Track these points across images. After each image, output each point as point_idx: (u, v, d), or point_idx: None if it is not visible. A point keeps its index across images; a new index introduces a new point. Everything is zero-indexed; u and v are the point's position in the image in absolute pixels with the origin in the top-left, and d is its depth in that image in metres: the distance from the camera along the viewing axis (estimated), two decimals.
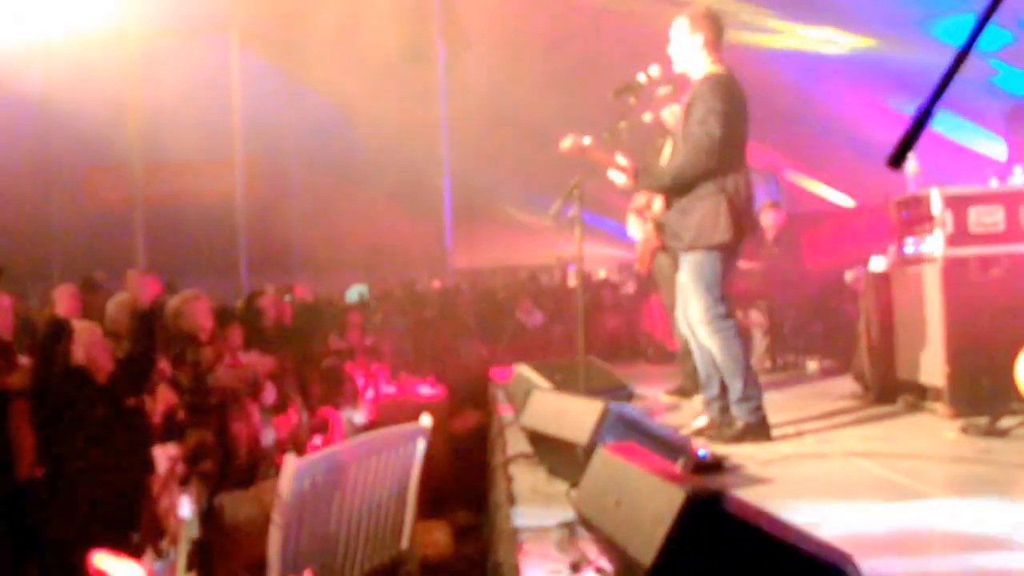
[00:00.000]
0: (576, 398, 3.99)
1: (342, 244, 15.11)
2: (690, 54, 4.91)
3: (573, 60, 12.19)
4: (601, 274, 14.90)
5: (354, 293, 13.14)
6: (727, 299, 4.92)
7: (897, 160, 1.39)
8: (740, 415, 4.86)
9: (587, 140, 4.85)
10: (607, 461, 2.64)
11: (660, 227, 5.20)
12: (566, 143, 4.85)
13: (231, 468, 5.27)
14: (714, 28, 4.90)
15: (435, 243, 14.00)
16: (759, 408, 4.87)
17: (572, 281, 13.49)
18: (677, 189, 4.89)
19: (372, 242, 15.30)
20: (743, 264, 8.24)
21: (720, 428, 4.92)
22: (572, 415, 3.81)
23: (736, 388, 4.84)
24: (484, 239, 16.47)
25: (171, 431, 4.73)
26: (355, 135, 14.25)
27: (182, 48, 14.14)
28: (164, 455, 4.58)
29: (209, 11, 13.52)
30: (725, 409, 4.96)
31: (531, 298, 10.11)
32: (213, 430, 5.03)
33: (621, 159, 4.88)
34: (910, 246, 5.80)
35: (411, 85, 13.10)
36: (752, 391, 4.84)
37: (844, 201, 15.68)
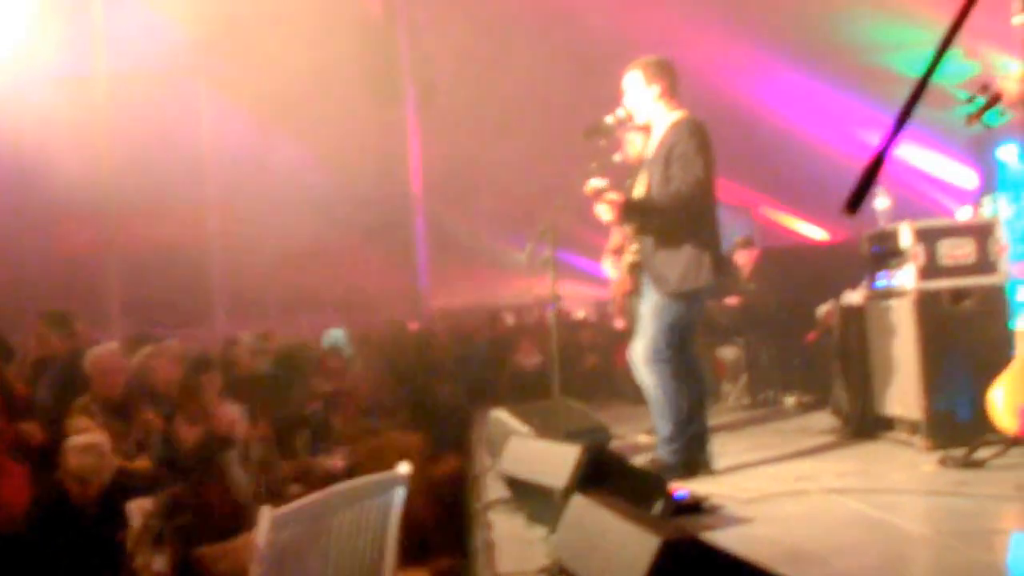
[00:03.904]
0: (553, 443, 3.97)
1: (318, 287, 15.05)
2: (650, 105, 4.99)
3: (544, 100, 12.29)
4: (580, 314, 14.92)
5: (331, 337, 13.06)
6: (691, 343, 5.05)
7: (854, 205, 1.40)
8: (663, 455, 4.96)
9: (602, 183, 4.89)
10: (583, 507, 2.63)
11: (634, 269, 5.22)
12: (590, 186, 4.88)
13: (207, 522, 5.18)
14: (668, 76, 5.01)
15: (411, 284, 13.97)
16: (679, 451, 4.95)
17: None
18: (661, 229, 4.93)
19: (348, 285, 15.25)
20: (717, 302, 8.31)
21: (660, 469, 4.94)
22: (549, 460, 3.78)
23: (664, 428, 4.94)
24: (461, 279, 16.47)
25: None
26: (327, 176, 14.25)
27: (152, 94, 14.11)
28: (138, 510, 4.51)
29: (178, 57, 13.53)
30: (679, 452, 4.98)
31: (530, 340, 10.06)
32: (187, 483, 4.96)
33: (612, 193, 4.92)
34: (882, 280, 5.84)
35: (382, 125, 13.13)
36: (678, 434, 4.93)
37: (818, 235, 15.81)
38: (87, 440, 4.65)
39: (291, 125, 13.78)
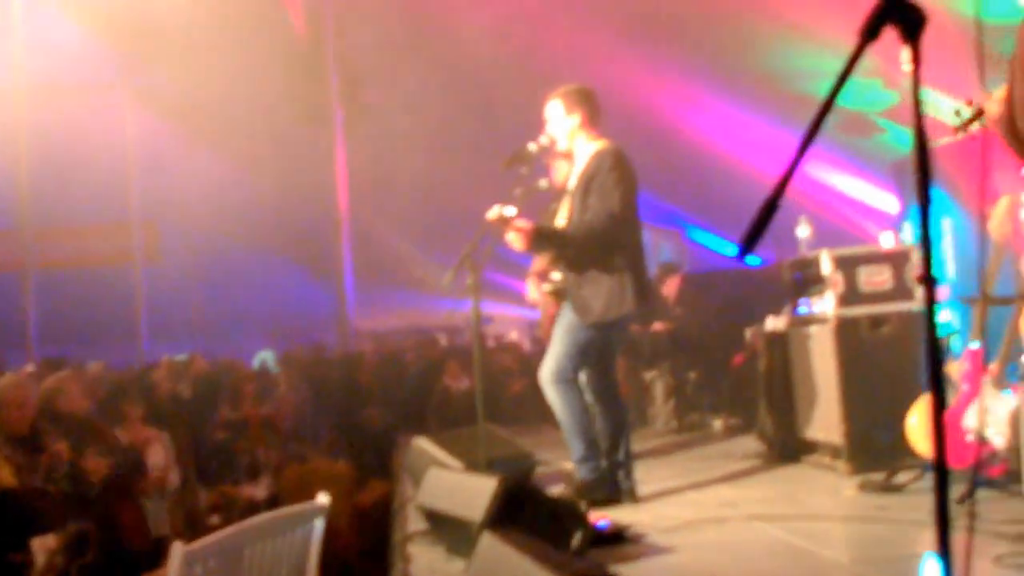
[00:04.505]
0: (471, 475, 3.90)
1: (246, 307, 14.83)
2: (571, 133, 4.99)
3: (474, 121, 12.28)
4: (512, 335, 14.89)
5: (259, 359, 12.87)
6: (611, 369, 5.10)
7: (748, 246, 1.37)
8: (580, 474, 4.95)
9: (510, 211, 4.84)
10: (492, 546, 2.57)
11: (558, 294, 5.19)
12: (493, 214, 4.83)
13: (119, 557, 5.00)
14: (589, 105, 5.01)
15: (338, 306, 13.81)
16: (598, 467, 4.95)
17: (489, 343, 13.44)
18: (575, 258, 4.92)
19: (276, 305, 15.05)
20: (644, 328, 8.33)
21: (579, 489, 4.92)
22: (467, 492, 3.72)
23: (577, 448, 4.94)
24: (391, 300, 16.34)
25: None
26: (254, 195, 14.06)
27: (74, 107, 13.77)
28: (42, 548, 4.33)
29: (101, 70, 13.25)
30: (596, 469, 4.98)
31: (459, 363, 9.96)
32: (95, 518, 4.78)
33: (521, 221, 4.88)
34: (803, 306, 5.91)
35: (309, 146, 13.00)
36: (592, 452, 4.93)
37: (750, 259, 16.01)
38: None
39: (218, 143, 13.57)
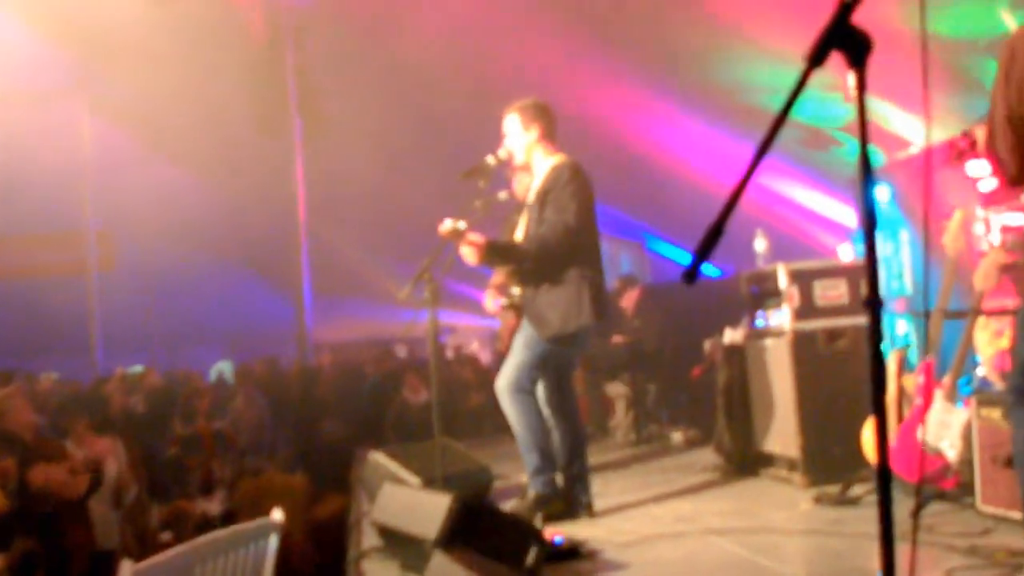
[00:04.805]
0: (425, 491, 3.87)
1: (203, 319, 14.66)
2: (528, 147, 5.00)
3: (434, 133, 12.27)
4: (474, 346, 14.87)
5: (216, 371, 12.73)
6: (568, 382, 5.10)
7: (691, 276, 1.36)
8: (534, 487, 4.94)
9: (463, 225, 4.82)
10: (443, 564, 2.54)
11: (516, 309, 5.17)
12: (445, 227, 4.81)
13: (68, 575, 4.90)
14: (546, 119, 5.02)
15: (296, 317, 13.70)
16: (552, 481, 4.94)
17: (449, 354, 13.38)
18: (531, 272, 4.91)
19: (234, 317, 14.90)
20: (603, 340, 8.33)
21: (533, 502, 4.91)
22: (421, 509, 3.68)
23: (531, 460, 4.93)
24: (351, 311, 16.24)
25: None
26: (212, 207, 13.92)
27: (29, 115, 13.54)
28: None
29: (58, 77, 13.06)
30: (550, 483, 4.97)
31: (418, 375, 9.91)
32: (43, 536, 4.67)
33: (473, 235, 4.87)
34: (760, 319, 5.94)
35: (267, 157, 12.91)
36: (544, 465, 4.92)
37: (710, 270, 16.13)
38: None
39: (175, 152, 13.43)
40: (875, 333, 1.49)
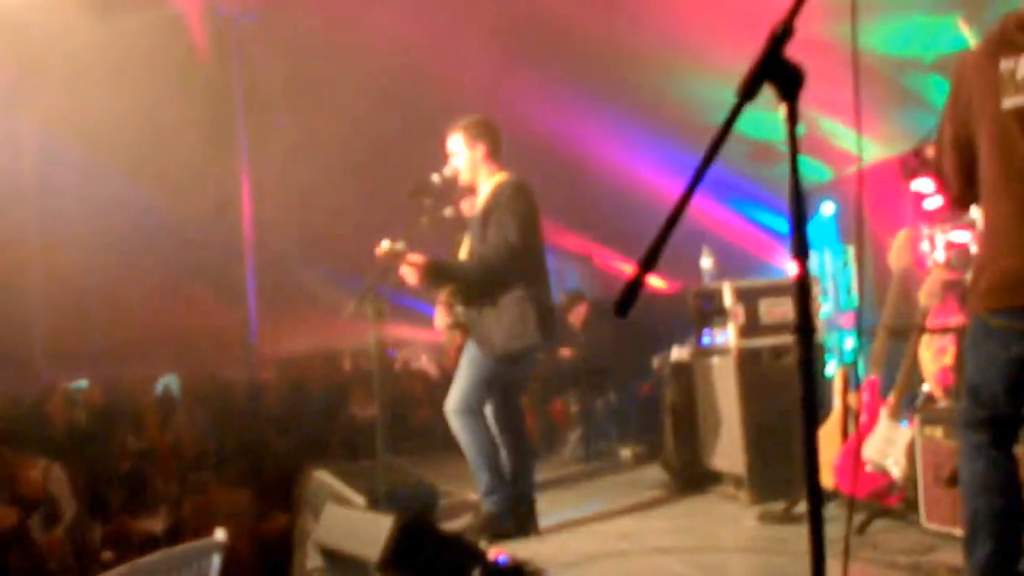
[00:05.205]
0: (368, 513, 3.83)
1: (148, 332, 14.41)
2: (474, 166, 4.99)
3: (381, 147, 12.22)
4: (422, 359, 14.76)
5: (163, 384, 12.51)
6: (516, 400, 5.08)
7: (623, 310, 1.35)
8: (488, 506, 4.93)
9: (401, 246, 4.78)
10: None
11: (463, 327, 5.15)
12: (382, 249, 4.77)
13: None
14: (492, 137, 5.02)
15: (243, 330, 13.55)
16: (505, 499, 4.93)
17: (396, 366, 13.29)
18: (475, 291, 4.90)
19: (180, 329, 14.67)
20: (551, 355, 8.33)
21: (487, 520, 4.89)
22: (364, 530, 3.64)
23: (483, 480, 4.92)
24: (298, 324, 16.09)
25: None
26: (157, 219, 13.72)
27: None
28: None
29: (0, 90, 12.79)
30: (502, 502, 4.95)
31: (365, 390, 9.82)
32: None
33: (412, 256, 4.84)
34: (707, 337, 5.97)
35: (213, 169, 12.78)
36: (498, 484, 4.91)
37: (657, 284, 16.21)
38: None
39: (120, 164, 13.22)
40: (807, 363, 1.49)
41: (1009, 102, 2.78)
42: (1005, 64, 2.79)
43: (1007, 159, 2.78)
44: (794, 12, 1.38)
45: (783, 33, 1.38)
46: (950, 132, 2.97)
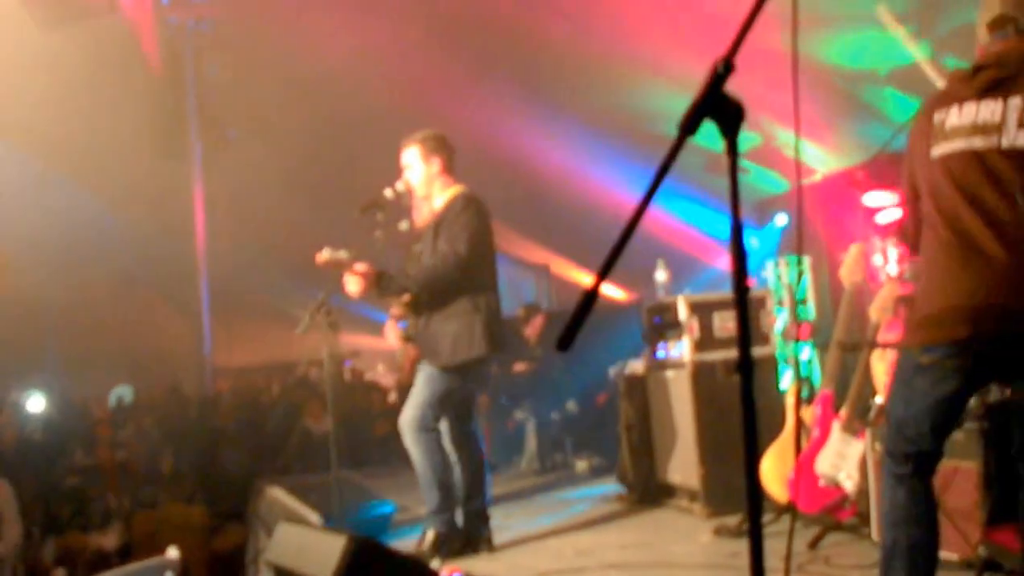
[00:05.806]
0: (320, 531, 3.78)
1: (102, 343, 14.22)
2: (429, 179, 4.99)
3: (333, 159, 12.21)
4: (379, 368, 14.68)
5: (116, 395, 12.34)
6: (469, 414, 5.04)
7: (566, 343, 1.36)
8: (432, 525, 4.91)
9: (343, 254, 4.75)
10: None
11: (410, 340, 5.13)
12: (323, 256, 4.73)
13: None
14: (446, 151, 5.03)
15: (196, 341, 13.39)
16: (451, 520, 4.93)
17: (347, 376, 13.20)
18: (424, 302, 4.88)
19: (133, 341, 14.49)
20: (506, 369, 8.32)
21: (432, 543, 4.86)
22: (316, 550, 3.59)
23: (432, 498, 4.90)
24: (251, 335, 15.95)
25: None
26: (111, 231, 13.55)
27: None
28: None
29: None
30: (449, 522, 4.94)
31: (320, 402, 9.73)
32: None
33: (358, 265, 4.81)
34: (661, 351, 5.98)
35: (167, 181, 12.65)
36: (445, 504, 4.90)
37: (615, 294, 16.25)
38: None
39: (72, 176, 13.05)
40: (747, 397, 1.50)
41: (937, 150, 2.95)
42: (938, 115, 2.97)
43: (936, 204, 2.94)
44: (734, 48, 1.38)
45: (724, 70, 1.38)
46: (906, 184, 3.12)
